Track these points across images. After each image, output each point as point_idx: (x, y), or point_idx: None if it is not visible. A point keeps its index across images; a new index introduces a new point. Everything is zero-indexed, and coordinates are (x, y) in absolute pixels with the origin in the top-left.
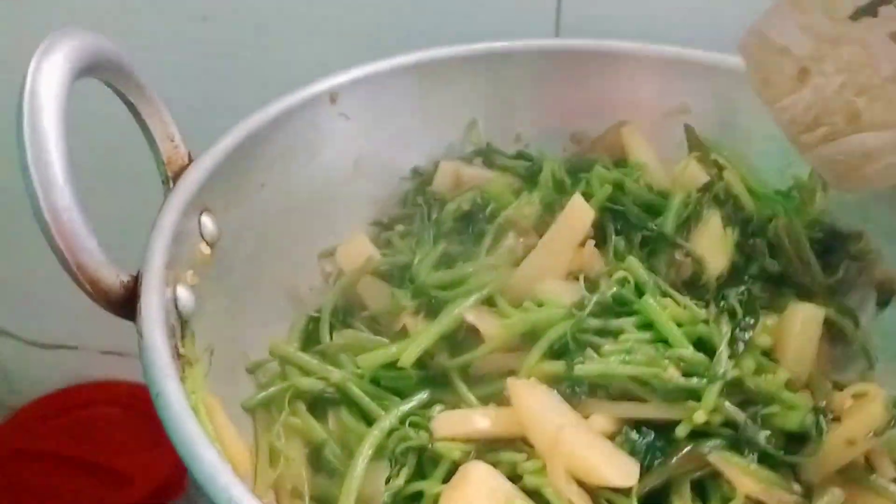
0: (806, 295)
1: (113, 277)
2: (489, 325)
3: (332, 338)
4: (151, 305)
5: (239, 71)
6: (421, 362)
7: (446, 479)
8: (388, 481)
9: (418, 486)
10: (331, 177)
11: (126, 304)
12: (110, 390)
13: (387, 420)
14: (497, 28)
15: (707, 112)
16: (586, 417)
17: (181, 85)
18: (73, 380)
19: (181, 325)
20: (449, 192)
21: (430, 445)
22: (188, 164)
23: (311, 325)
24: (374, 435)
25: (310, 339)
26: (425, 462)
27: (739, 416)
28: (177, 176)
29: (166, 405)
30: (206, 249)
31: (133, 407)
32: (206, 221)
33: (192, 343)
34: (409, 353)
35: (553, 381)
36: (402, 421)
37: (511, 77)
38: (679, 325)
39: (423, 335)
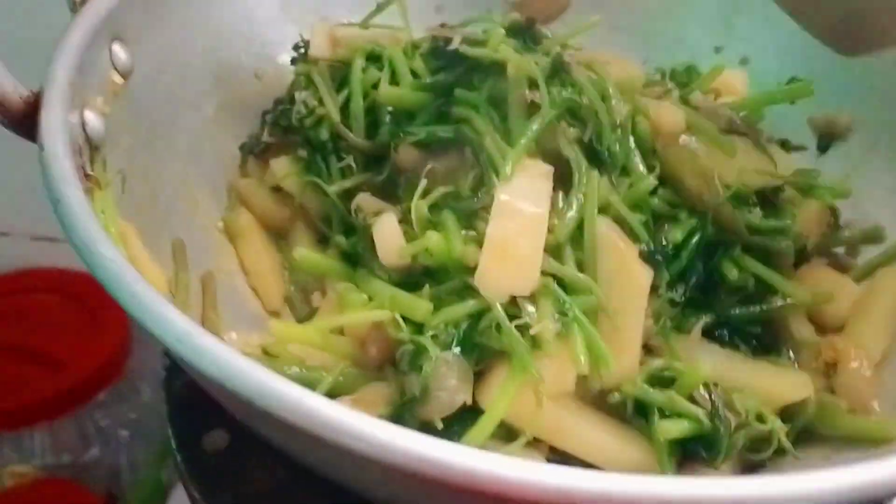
0: None
1: (11, 89)
2: None
3: None
4: (53, 118)
5: None
6: None
7: None
8: None
9: None
10: (256, 18)
11: (27, 120)
12: (44, 277)
13: None
14: None
15: None
16: None
17: None
18: (6, 267)
19: (90, 148)
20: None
21: None
22: None
23: None
24: None
25: None
26: None
27: None
28: (84, 1)
29: (67, 210)
30: (118, 79)
31: (68, 293)
32: (118, 51)
33: (102, 168)
34: None
35: None
36: None
37: None
38: None
39: None
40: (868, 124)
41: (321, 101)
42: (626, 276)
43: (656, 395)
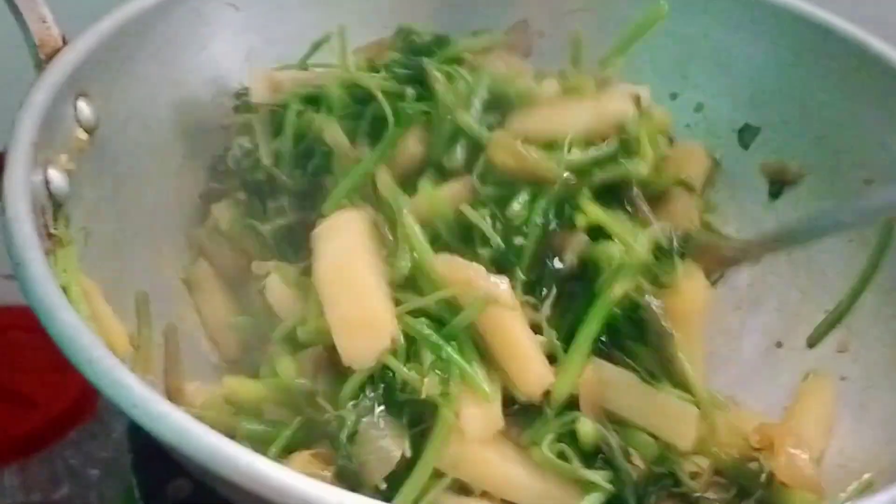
0: None
1: None
2: None
3: None
4: (16, 180)
5: None
6: None
7: None
8: None
9: None
10: (222, 70)
11: None
12: (16, 315)
13: None
14: None
15: None
16: None
17: None
18: None
19: (53, 206)
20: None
21: None
22: (62, 47)
23: None
24: None
25: None
26: None
27: None
28: (49, 59)
29: (26, 273)
30: (82, 135)
31: (40, 332)
32: (83, 107)
33: (65, 225)
34: None
35: None
36: None
37: None
38: None
39: None
40: (819, 171)
41: (257, 146)
42: (485, 297)
43: (564, 467)
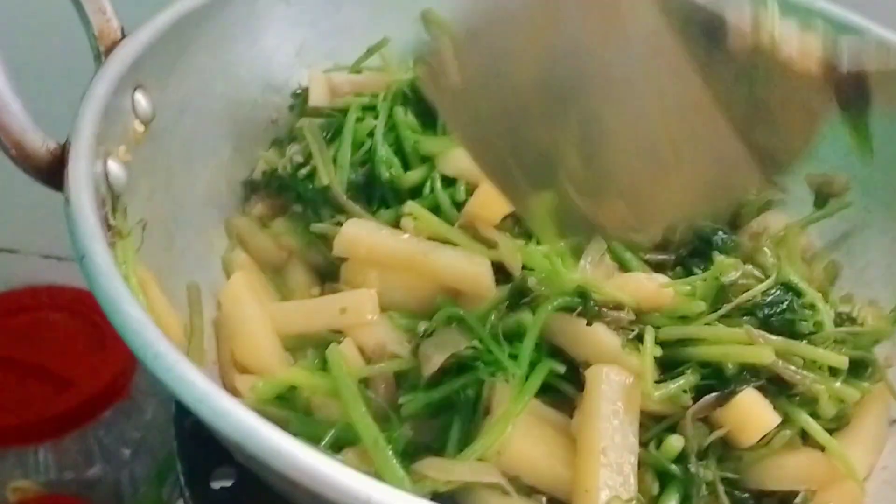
0: None
1: (39, 142)
2: None
3: None
4: (79, 171)
5: None
6: None
7: None
8: None
9: None
10: (273, 64)
11: (53, 171)
12: (53, 295)
13: None
14: None
15: None
16: None
17: None
18: (15, 284)
19: (112, 198)
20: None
21: None
22: (121, 39)
23: None
24: None
25: None
26: None
27: None
28: (109, 51)
29: (92, 265)
30: (139, 127)
31: (76, 312)
32: (140, 99)
33: (123, 217)
34: None
35: None
36: None
37: None
38: None
39: None
40: (866, 185)
41: (311, 155)
42: None
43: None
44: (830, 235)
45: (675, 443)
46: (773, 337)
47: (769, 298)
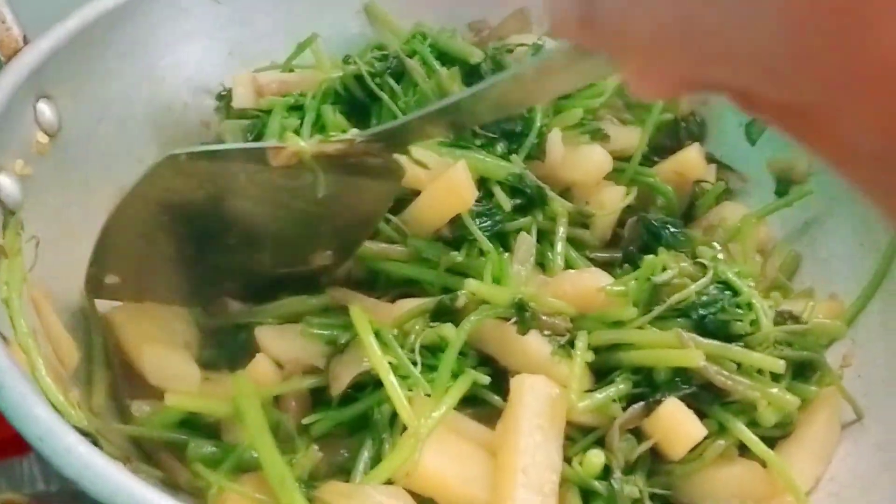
0: None
1: None
2: None
3: None
4: None
5: None
6: None
7: None
8: None
9: None
10: (204, 65)
11: None
12: None
13: None
14: None
15: None
16: None
17: None
18: None
19: (3, 214)
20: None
21: None
22: (22, 48)
23: None
24: None
25: None
26: None
27: None
28: (9, 59)
29: None
30: (43, 139)
31: None
32: (45, 109)
33: (13, 234)
34: None
35: None
36: None
37: None
38: None
39: None
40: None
41: None
42: None
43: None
44: (792, 225)
45: (594, 459)
46: (705, 340)
47: (704, 298)
